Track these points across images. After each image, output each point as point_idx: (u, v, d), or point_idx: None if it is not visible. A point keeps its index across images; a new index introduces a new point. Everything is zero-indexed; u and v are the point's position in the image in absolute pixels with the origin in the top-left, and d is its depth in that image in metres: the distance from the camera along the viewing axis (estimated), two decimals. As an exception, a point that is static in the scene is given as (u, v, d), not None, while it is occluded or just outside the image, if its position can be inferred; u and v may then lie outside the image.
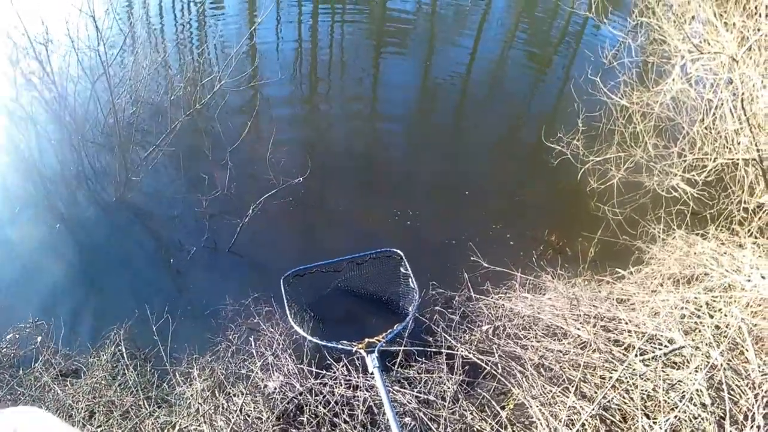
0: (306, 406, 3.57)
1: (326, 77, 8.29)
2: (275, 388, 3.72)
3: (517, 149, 6.99)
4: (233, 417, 3.44)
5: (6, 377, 4.09)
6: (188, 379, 3.91)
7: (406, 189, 6.07)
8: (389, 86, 8.06)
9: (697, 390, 3.15)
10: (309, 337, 3.94)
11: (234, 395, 3.69)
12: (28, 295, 4.81)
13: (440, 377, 3.66)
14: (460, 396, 3.57)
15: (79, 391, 3.91)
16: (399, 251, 4.50)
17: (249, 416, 3.51)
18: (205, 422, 3.45)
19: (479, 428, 3.34)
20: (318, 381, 3.74)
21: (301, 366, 3.86)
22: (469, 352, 3.81)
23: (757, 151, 4.79)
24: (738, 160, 5.06)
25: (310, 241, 5.47)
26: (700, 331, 3.64)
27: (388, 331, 3.84)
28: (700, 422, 3.04)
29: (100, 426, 3.68)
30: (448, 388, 3.58)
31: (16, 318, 4.56)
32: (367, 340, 3.71)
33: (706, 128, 5.31)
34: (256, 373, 3.83)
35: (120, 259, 5.21)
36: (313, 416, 3.49)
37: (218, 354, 4.13)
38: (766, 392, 3.14)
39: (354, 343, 3.73)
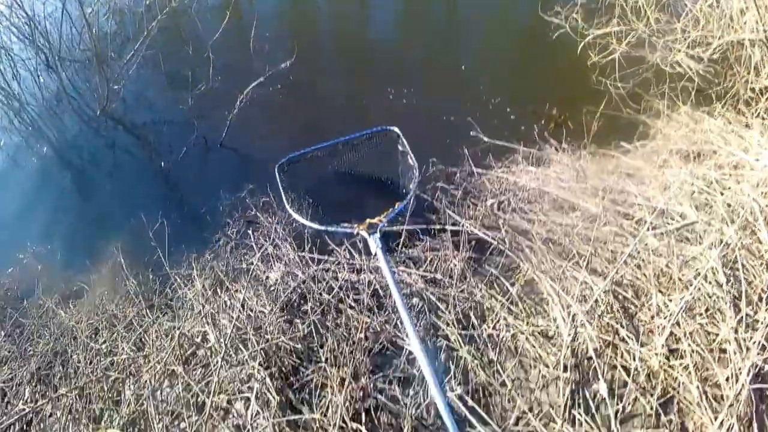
0: (309, 294, 3.43)
1: None
2: (277, 279, 3.60)
3: (513, 23, 6.64)
4: (236, 313, 3.28)
5: (10, 311, 4.07)
6: (189, 281, 3.80)
7: (399, 67, 5.85)
8: None
9: (712, 267, 3.03)
10: (308, 223, 3.84)
11: (236, 291, 3.57)
12: (23, 224, 4.76)
13: (446, 255, 3.51)
14: (467, 274, 3.42)
15: (81, 310, 3.85)
16: (395, 128, 4.29)
17: (252, 311, 3.38)
18: (207, 323, 3.32)
19: (489, 306, 3.21)
20: (320, 267, 3.62)
21: (302, 254, 3.74)
22: (475, 228, 3.65)
23: (765, 31, 4.55)
24: (744, 40, 4.80)
25: (303, 128, 5.20)
26: (711, 207, 3.51)
27: (390, 210, 3.71)
28: (715, 301, 2.94)
29: (104, 341, 3.57)
30: (455, 265, 3.43)
31: (15, 250, 4.47)
32: (368, 221, 3.60)
33: (709, 6, 5.00)
34: (257, 265, 3.70)
35: (110, 172, 5.11)
36: (318, 304, 3.35)
37: (217, 251, 4.04)
38: None
39: (355, 225, 3.61)
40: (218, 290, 3.62)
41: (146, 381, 3.14)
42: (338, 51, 6.19)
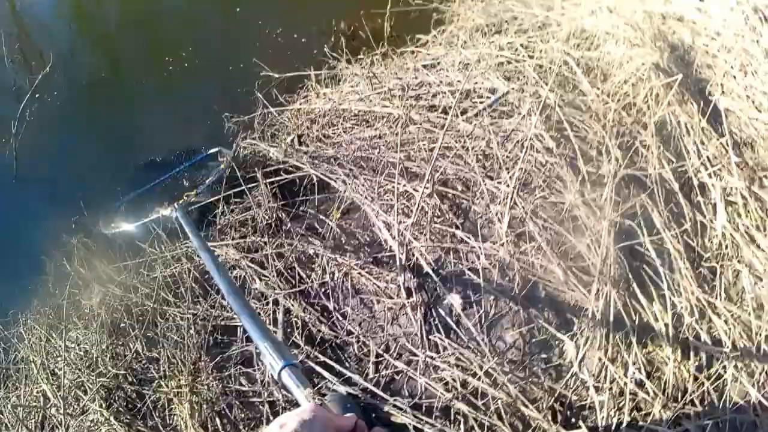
0: (131, 306, 3.07)
1: None
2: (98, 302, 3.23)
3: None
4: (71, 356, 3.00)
5: None
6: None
7: (183, 26, 5.47)
8: None
9: (536, 134, 2.74)
10: (122, 229, 3.52)
11: (68, 330, 3.14)
12: None
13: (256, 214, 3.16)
14: (287, 225, 3.04)
15: None
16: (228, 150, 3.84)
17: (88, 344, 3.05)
18: (44, 380, 2.95)
19: (314, 252, 2.83)
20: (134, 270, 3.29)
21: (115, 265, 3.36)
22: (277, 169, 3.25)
23: None
24: None
25: (107, 130, 4.62)
26: (522, 74, 3.24)
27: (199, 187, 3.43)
28: (550, 168, 2.66)
29: None
30: (262, 219, 3.09)
31: None
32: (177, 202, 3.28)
33: None
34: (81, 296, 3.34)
35: None
36: (140, 315, 3.01)
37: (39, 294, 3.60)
38: (612, 121, 2.83)
39: (162, 208, 3.32)
40: (52, 335, 3.20)
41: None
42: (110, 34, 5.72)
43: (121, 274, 3.25)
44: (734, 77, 3.13)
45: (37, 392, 2.95)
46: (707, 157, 2.72)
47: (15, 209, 4.27)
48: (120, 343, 2.95)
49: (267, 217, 3.08)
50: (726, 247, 2.49)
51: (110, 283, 3.21)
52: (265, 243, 2.92)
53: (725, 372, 2.10)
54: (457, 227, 2.56)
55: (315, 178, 3.08)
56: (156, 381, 2.67)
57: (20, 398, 3.00)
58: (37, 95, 4.57)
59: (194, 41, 5.05)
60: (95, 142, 4.46)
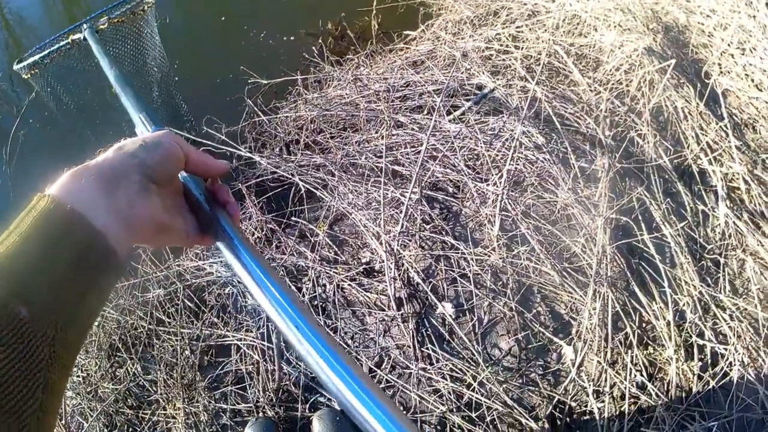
0: (127, 329, 3.02)
1: None
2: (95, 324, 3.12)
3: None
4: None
5: None
6: None
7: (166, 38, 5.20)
8: None
9: (524, 131, 2.68)
10: (25, 63, 2.96)
11: None
12: None
13: (247, 226, 3.09)
14: (278, 235, 2.97)
15: None
16: None
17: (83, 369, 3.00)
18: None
19: (304, 264, 2.75)
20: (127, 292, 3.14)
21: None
22: (267, 167, 3.20)
23: None
24: None
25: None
26: (509, 66, 3.18)
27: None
28: (541, 166, 2.61)
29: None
30: (256, 231, 3.04)
31: None
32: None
33: None
34: None
35: None
36: (136, 339, 2.97)
37: None
38: (606, 111, 2.79)
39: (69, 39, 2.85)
40: None
41: None
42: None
43: (117, 295, 3.18)
44: (732, 56, 3.08)
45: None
46: (707, 143, 2.67)
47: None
48: (119, 365, 2.92)
49: (258, 231, 3.03)
50: (729, 236, 2.44)
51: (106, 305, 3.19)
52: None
53: (731, 370, 2.06)
54: (446, 233, 2.51)
55: (302, 187, 3.04)
56: (153, 404, 2.65)
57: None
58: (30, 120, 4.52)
59: (180, 51, 4.96)
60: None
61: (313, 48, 4.33)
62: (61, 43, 2.89)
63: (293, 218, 3.03)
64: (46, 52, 2.94)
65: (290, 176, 3.06)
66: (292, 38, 4.69)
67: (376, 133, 3.06)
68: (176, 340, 2.79)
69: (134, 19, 3.22)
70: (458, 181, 2.70)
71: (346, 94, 3.46)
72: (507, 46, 3.34)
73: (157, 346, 2.84)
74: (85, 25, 2.81)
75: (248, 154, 3.20)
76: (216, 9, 5.36)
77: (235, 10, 5.27)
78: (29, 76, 3.09)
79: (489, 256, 2.38)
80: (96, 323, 3.08)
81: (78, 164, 0.67)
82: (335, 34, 4.52)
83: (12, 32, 5.83)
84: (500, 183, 2.49)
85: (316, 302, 2.62)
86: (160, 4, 4.17)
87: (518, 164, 2.62)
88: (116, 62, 2.30)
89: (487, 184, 2.58)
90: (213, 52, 4.97)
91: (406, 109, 3.17)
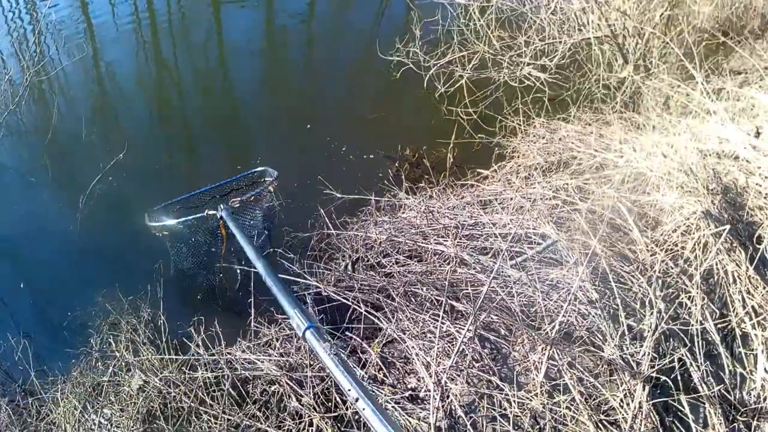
0: (170, 400, 3.20)
1: (169, 44, 7.75)
2: (138, 387, 3.36)
3: (361, 73, 6.54)
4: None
5: None
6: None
7: (253, 138, 5.78)
8: (234, 40, 7.54)
9: (580, 286, 2.89)
10: (163, 223, 3.84)
11: (102, 407, 3.33)
12: None
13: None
14: None
15: None
16: (273, 171, 4.22)
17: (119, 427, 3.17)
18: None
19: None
20: (176, 368, 3.38)
21: (161, 356, 3.47)
22: (330, 293, 3.40)
23: (609, 27, 4.65)
24: (590, 39, 4.90)
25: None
26: (574, 219, 3.40)
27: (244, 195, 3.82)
28: (592, 320, 2.80)
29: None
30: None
31: None
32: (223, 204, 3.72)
33: (552, 13, 5.09)
34: (117, 376, 3.50)
35: None
36: (176, 411, 3.15)
37: (81, 366, 3.74)
38: (660, 272, 2.97)
39: (208, 209, 3.72)
40: (87, 408, 3.36)
41: None
42: (188, 127, 6.10)
43: (163, 365, 3.41)
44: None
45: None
46: (752, 307, 2.81)
47: (72, 276, 4.59)
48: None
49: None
50: (765, 399, 2.56)
51: (152, 373, 3.36)
52: (309, 365, 3.06)
53: None
54: (494, 373, 2.71)
55: (362, 306, 3.24)
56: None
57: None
58: (110, 177, 4.96)
59: (264, 149, 5.36)
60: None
61: (389, 170, 4.67)
62: (197, 215, 3.71)
63: (347, 333, 3.25)
64: (181, 219, 3.77)
65: (352, 301, 3.29)
66: (371, 156, 5.03)
67: (440, 266, 3.30)
68: (215, 423, 2.98)
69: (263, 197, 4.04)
70: (511, 325, 2.89)
71: (417, 223, 3.72)
72: (573, 197, 3.58)
73: (195, 424, 3.04)
74: (221, 206, 3.63)
75: (317, 284, 3.46)
76: (304, 117, 5.72)
77: (321, 120, 5.63)
78: (159, 234, 3.96)
79: (531, 400, 2.56)
80: (137, 386, 3.35)
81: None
82: (412, 160, 4.84)
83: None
84: (552, 332, 2.68)
85: (357, 417, 2.79)
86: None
87: (571, 316, 2.81)
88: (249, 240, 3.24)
89: (540, 332, 2.77)
90: (293, 157, 5.30)
91: (471, 248, 3.41)
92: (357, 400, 2.03)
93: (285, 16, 8.05)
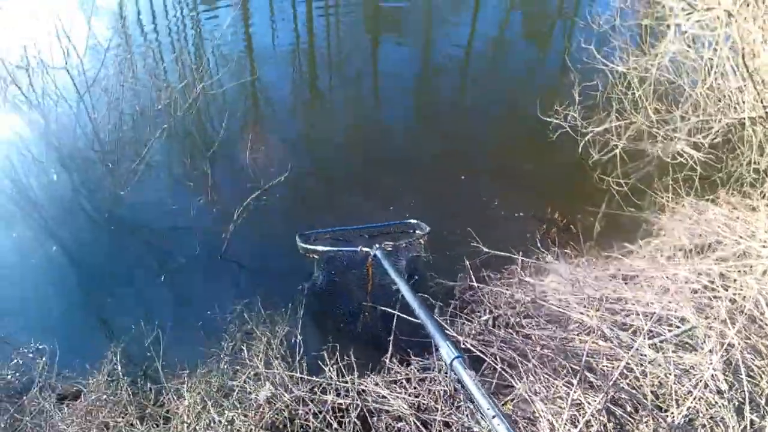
0: (296, 417, 3.43)
1: (325, 73, 8.38)
2: (266, 398, 3.59)
3: (516, 127, 6.73)
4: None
5: (6, 405, 4.12)
6: (181, 394, 3.85)
7: (403, 179, 5.95)
8: (389, 75, 7.99)
9: (712, 375, 3.00)
10: (317, 248, 4.31)
11: (226, 408, 3.57)
12: (26, 318, 4.91)
13: (436, 377, 3.49)
14: (457, 396, 3.39)
15: (74, 413, 3.89)
16: (425, 225, 4.64)
17: (239, 430, 3.40)
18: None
19: (477, 431, 3.15)
20: (307, 387, 3.62)
21: (292, 373, 3.73)
22: (468, 345, 3.64)
23: (764, 108, 4.64)
24: (744, 119, 4.88)
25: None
26: (713, 306, 3.49)
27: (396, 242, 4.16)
28: (717, 410, 2.89)
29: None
30: (443, 387, 3.43)
31: (20, 343, 4.62)
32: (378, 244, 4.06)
33: (708, 89, 5.10)
34: (246, 384, 3.74)
35: (114, 276, 5.25)
36: (301, 428, 3.38)
37: (210, 366, 4.08)
38: None
39: (362, 245, 4.08)
40: (207, 406, 3.62)
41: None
42: (342, 163, 6.38)
43: (294, 382, 3.64)
44: None
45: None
46: None
47: (214, 280, 5.07)
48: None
49: (445, 384, 3.41)
50: None
51: (282, 387, 3.60)
52: (437, 409, 3.28)
53: None
54: (616, 448, 2.86)
55: (499, 362, 3.46)
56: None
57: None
58: (264, 197, 5.36)
59: (413, 197, 5.56)
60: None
61: (537, 232, 4.86)
62: (351, 248, 4.21)
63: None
64: (335, 248, 4.31)
65: (490, 357, 3.52)
66: (521, 214, 5.26)
67: (578, 335, 3.51)
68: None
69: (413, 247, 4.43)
70: (640, 403, 3.03)
71: (561, 290, 3.93)
72: (715, 284, 3.65)
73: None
74: (377, 245, 3.99)
75: (456, 335, 3.71)
76: (456, 163, 6.03)
77: (474, 170, 5.89)
78: (308, 256, 4.46)
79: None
80: (266, 396, 3.59)
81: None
82: (560, 224, 5.01)
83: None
84: (678, 417, 2.84)
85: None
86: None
87: (698, 404, 2.92)
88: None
89: (666, 414, 2.92)
90: (442, 205, 5.59)
91: (612, 322, 3.58)
92: (494, 417, 2.30)
93: (440, 56, 8.39)
